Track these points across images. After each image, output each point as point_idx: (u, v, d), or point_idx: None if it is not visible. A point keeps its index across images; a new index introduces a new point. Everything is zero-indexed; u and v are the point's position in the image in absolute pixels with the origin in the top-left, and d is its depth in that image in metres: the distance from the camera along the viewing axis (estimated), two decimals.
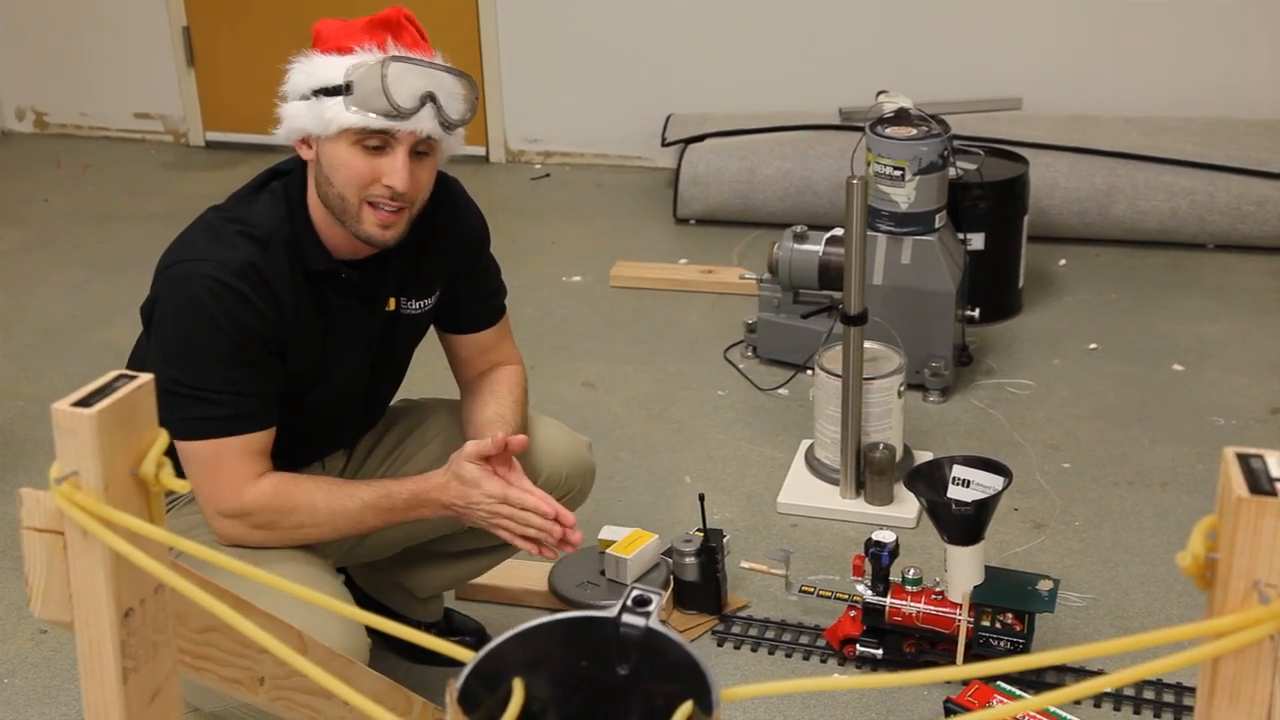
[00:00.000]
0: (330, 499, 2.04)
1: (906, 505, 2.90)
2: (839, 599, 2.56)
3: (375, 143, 1.96)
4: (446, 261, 2.22)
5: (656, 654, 0.95)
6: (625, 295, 4.09)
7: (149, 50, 5.48)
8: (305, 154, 2.03)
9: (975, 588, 2.37)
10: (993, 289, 3.71)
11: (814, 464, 3.06)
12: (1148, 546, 2.80)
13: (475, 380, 2.32)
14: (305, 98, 1.98)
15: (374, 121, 1.94)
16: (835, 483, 2.98)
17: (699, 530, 2.61)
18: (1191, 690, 2.37)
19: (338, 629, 1.92)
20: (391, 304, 2.17)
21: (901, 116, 3.42)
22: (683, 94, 4.93)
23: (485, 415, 2.21)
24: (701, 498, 2.63)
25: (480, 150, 5.28)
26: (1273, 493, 0.89)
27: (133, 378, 1.07)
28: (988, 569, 2.40)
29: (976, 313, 3.48)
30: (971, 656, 2.38)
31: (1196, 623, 0.91)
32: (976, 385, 3.47)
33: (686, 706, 0.91)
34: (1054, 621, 2.53)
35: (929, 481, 2.41)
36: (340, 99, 1.94)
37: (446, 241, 2.21)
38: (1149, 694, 2.37)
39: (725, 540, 2.61)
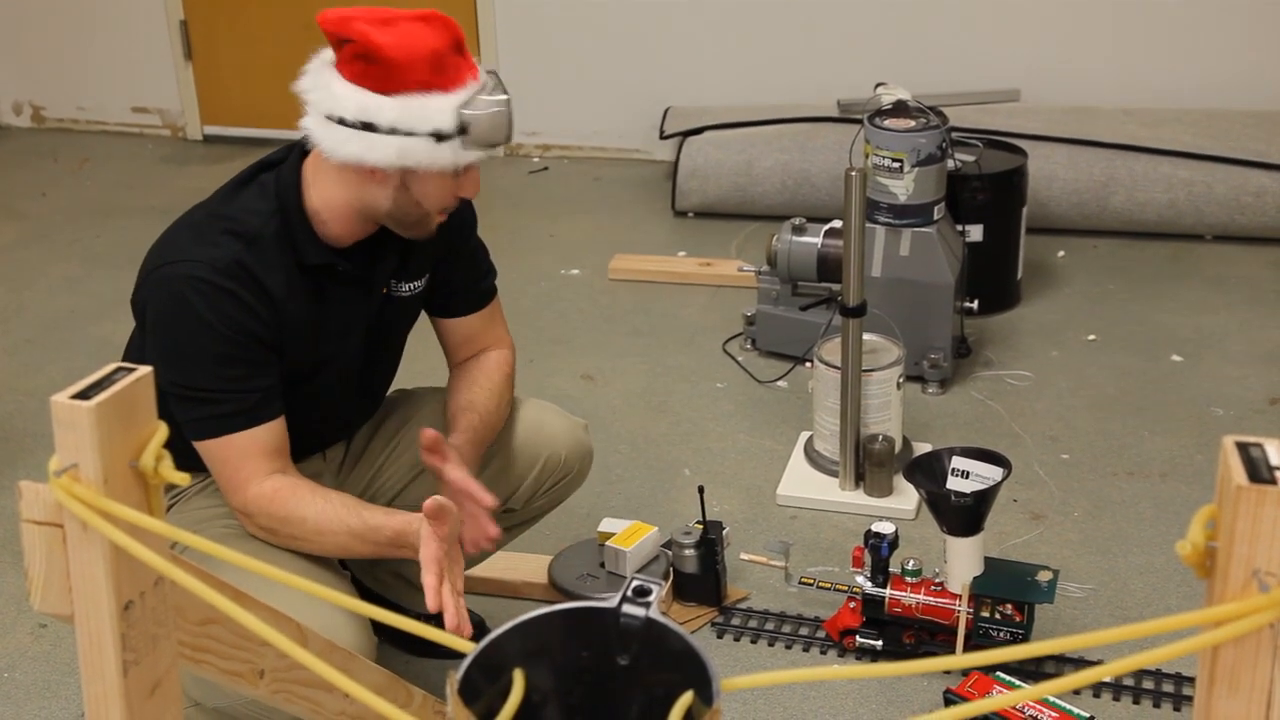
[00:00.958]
0: (320, 520, 2.02)
1: (906, 497, 2.90)
2: (838, 590, 2.56)
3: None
4: (435, 243, 2.22)
5: (657, 644, 0.95)
6: (624, 288, 4.09)
7: (146, 44, 5.47)
8: (379, 180, 1.98)
9: (974, 579, 2.37)
10: (991, 281, 3.71)
11: (813, 456, 3.06)
12: (1147, 537, 2.80)
13: (460, 366, 2.34)
14: (410, 134, 1.92)
15: (486, 154, 1.98)
16: (834, 474, 2.98)
17: (698, 522, 2.61)
18: (1191, 680, 2.37)
19: (345, 627, 1.92)
20: (384, 288, 2.17)
21: (900, 108, 3.42)
22: (681, 87, 4.92)
23: (457, 402, 2.24)
24: (701, 490, 2.63)
25: None
26: (1272, 481, 0.89)
27: (131, 370, 1.07)
28: (987, 560, 2.40)
29: (975, 304, 3.48)
30: (971, 647, 2.38)
31: (1196, 611, 0.91)
32: (975, 377, 3.47)
33: (687, 697, 0.91)
34: (1053, 612, 2.53)
35: (928, 473, 2.41)
36: (457, 140, 1.94)
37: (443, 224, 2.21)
38: (1148, 684, 2.38)
39: (725, 532, 2.61)
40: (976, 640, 2.38)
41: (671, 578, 2.61)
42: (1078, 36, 4.61)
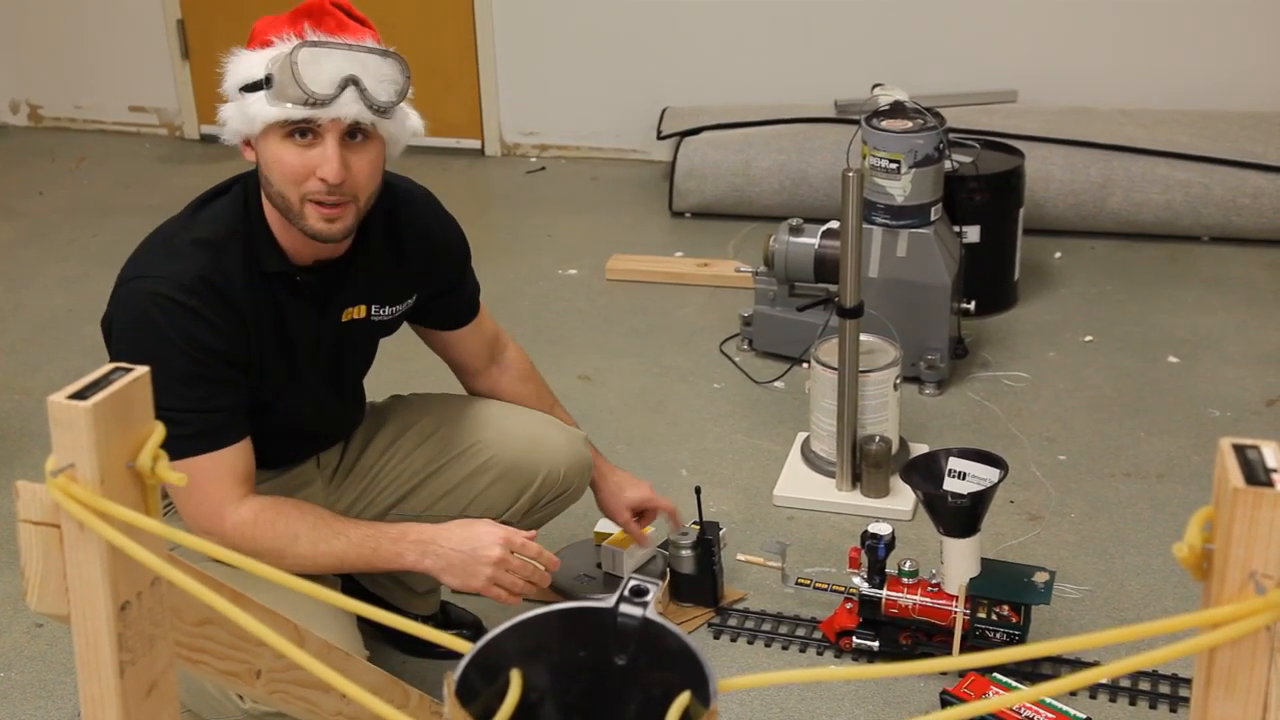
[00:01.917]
0: (315, 535, 1.99)
1: (902, 498, 2.90)
2: (835, 591, 2.56)
3: (303, 133, 1.90)
4: (425, 274, 2.21)
5: (654, 644, 0.95)
6: (621, 288, 4.09)
7: (143, 43, 5.47)
8: (249, 156, 1.98)
9: (971, 580, 2.37)
10: (988, 282, 3.71)
11: (810, 457, 3.06)
12: (1143, 538, 2.80)
13: (498, 379, 2.40)
14: (234, 98, 1.93)
15: (293, 111, 1.87)
16: (831, 475, 2.99)
17: (695, 523, 2.61)
18: (1187, 681, 2.37)
19: (333, 627, 1.92)
20: (361, 311, 2.14)
21: (897, 109, 3.42)
22: (678, 87, 4.93)
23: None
24: (698, 490, 2.63)
25: (476, 143, 5.27)
26: (1269, 483, 0.89)
27: (129, 370, 1.07)
28: (984, 561, 2.40)
29: (972, 305, 3.48)
30: (968, 648, 2.38)
31: (1193, 613, 0.91)
32: (972, 378, 3.47)
33: (684, 697, 0.91)
34: (1050, 613, 2.53)
35: (925, 474, 2.41)
36: (262, 94, 1.89)
37: (426, 252, 2.20)
38: (1145, 685, 2.38)
39: (721, 533, 2.61)
40: (973, 641, 2.38)
41: (668, 578, 2.61)
42: (1075, 37, 4.62)
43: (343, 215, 1.95)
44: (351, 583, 2.48)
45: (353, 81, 1.88)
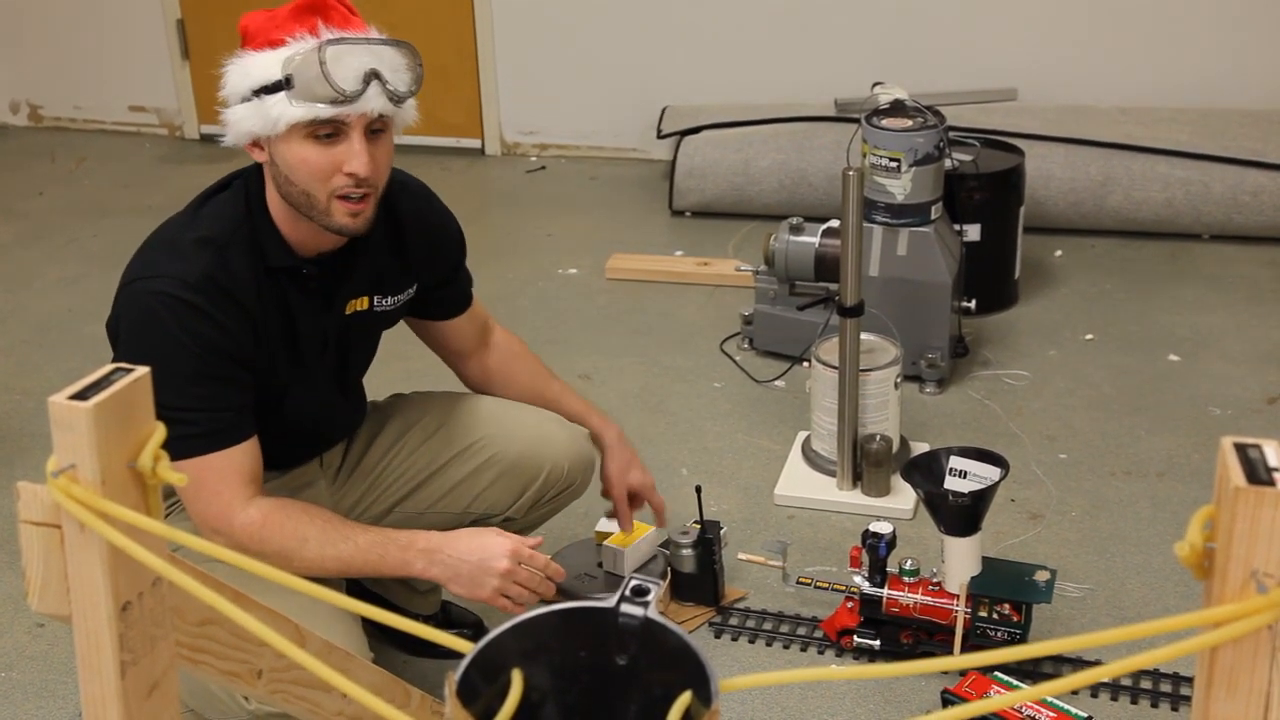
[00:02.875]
0: (322, 539, 1.99)
1: (903, 496, 2.90)
2: (836, 590, 2.56)
3: (327, 131, 1.90)
4: (426, 263, 2.21)
5: (655, 644, 0.95)
6: (621, 287, 4.09)
7: (143, 43, 5.47)
8: (258, 156, 1.98)
9: (972, 578, 2.37)
10: (989, 280, 3.71)
11: (811, 456, 3.06)
12: (1144, 536, 2.80)
13: (490, 361, 2.41)
14: (246, 99, 1.91)
15: (322, 111, 1.87)
16: (832, 474, 2.99)
17: (696, 522, 2.61)
18: (1189, 680, 2.37)
19: (338, 627, 1.92)
20: (365, 303, 2.14)
21: (897, 108, 3.42)
22: (678, 86, 4.93)
23: (545, 391, 2.45)
24: (699, 490, 2.63)
25: (476, 143, 5.27)
26: (1270, 482, 0.89)
27: (129, 371, 1.07)
28: (985, 560, 2.40)
29: (973, 304, 3.48)
30: (969, 647, 2.38)
31: (1194, 612, 0.91)
32: (973, 376, 3.47)
33: (685, 697, 0.91)
34: (1051, 612, 2.53)
35: (926, 473, 2.41)
36: (282, 94, 1.87)
37: (426, 242, 2.20)
38: (1146, 684, 2.38)
39: (722, 532, 2.61)
40: (974, 640, 2.38)
41: (669, 577, 2.61)
42: (1075, 36, 4.62)
43: (366, 208, 1.97)
44: (353, 581, 2.49)
45: (375, 75, 1.89)
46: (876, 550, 2.41)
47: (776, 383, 3.48)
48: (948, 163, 3.47)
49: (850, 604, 2.47)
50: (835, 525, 2.88)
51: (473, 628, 2.56)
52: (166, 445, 1.91)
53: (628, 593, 0.96)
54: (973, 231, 3.67)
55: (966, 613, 2.37)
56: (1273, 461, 0.91)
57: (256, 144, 1.96)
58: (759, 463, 3.11)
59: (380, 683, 1.73)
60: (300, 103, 1.87)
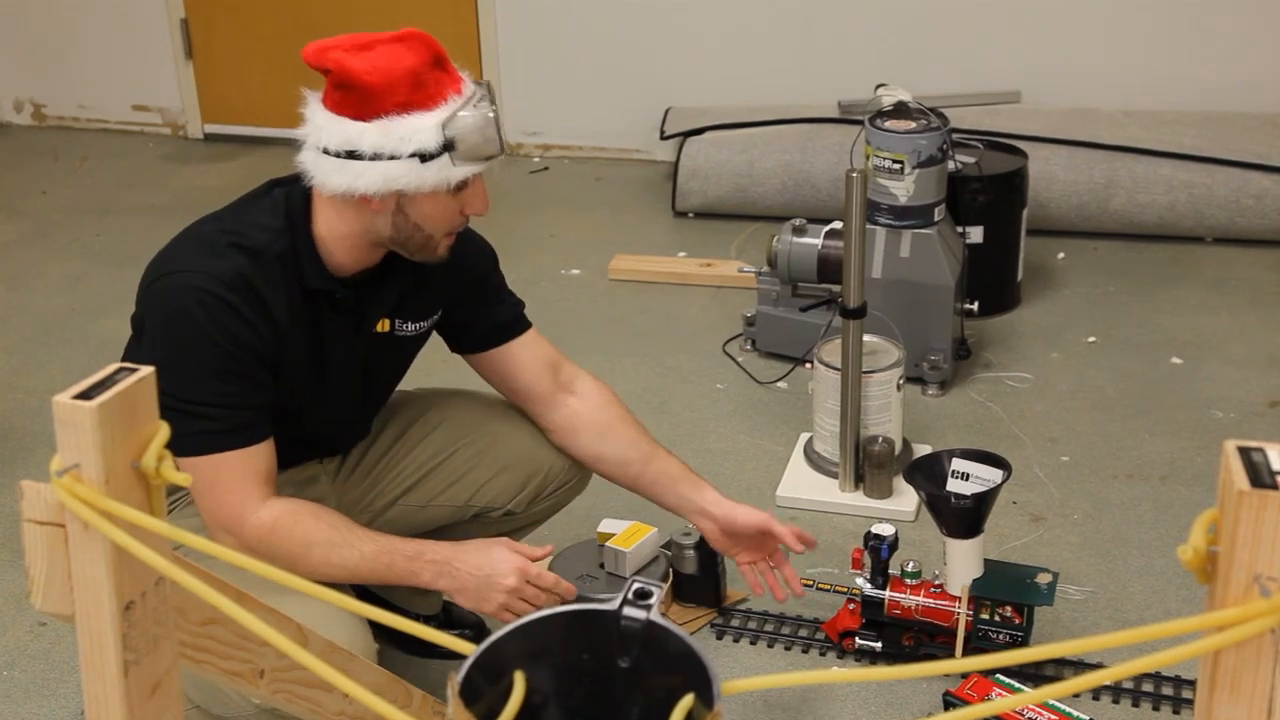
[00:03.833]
0: (329, 546, 1.98)
1: (905, 498, 2.90)
2: (838, 592, 2.56)
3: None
4: (449, 284, 2.20)
5: (657, 647, 0.95)
6: (624, 288, 4.09)
7: (147, 42, 5.47)
8: (376, 207, 1.95)
9: (974, 581, 2.37)
10: (991, 282, 3.71)
11: (813, 457, 3.06)
12: (1146, 539, 2.80)
13: (576, 404, 2.32)
14: (394, 158, 1.89)
15: (480, 166, 1.94)
16: (834, 476, 2.98)
17: None
18: (1191, 683, 2.37)
19: (343, 627, 1.92)
20: (385, 325, 2.14)
21: (900, 110, 3.42)
22: (682, 87, 4.93)
23: (638, 460, 2.33)
24: None
25: None
26: (1274, 486, 0.89)
27: (134, 370, 1.07)
28: (987, 562, 2.40)
29: (975, 306, 3.48)
30: (970, 649, 2.38)
31: (1197, 616, 0.91)
32: (975, 379, 3.47)
33: (688, 699, 0.91)
34: (1053, 614, 2.53)
35: (928, 475, 2.41)
36: (446, 157, 1.90)
37: (451, 266, 2.20)
38: (1148, 686, 2.38)
39: None
40: (976, 642, 2.38)
41: (671, 578, 2.61)
42: (1078, 38, 4.62)
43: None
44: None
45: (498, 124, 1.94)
46: (878, 552, 2.41)
47: (779, 384, 3.48)
48: (951, 165, 3.47)
49: (852, 606, 2.47)
50: (837, 527, 2.88)
51: (474, 628, 2.56)
52: (186, 439, 1.91)
53: (630, 595, 0.96)
54: (975, 234, 3.67)
55: (968, 615, 2.37)
56: (1276, 465, 0.91)
57: (366, 197, 1.94)
58: (761, 464, 3.11)
59: (382, 683, 1.73)
60: (463, 163, 1.92)
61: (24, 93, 5.72)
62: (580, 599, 2.37)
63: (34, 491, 1.07)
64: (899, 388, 2.96)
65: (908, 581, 2.42)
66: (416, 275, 2.14)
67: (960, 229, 3.59)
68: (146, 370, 1.08)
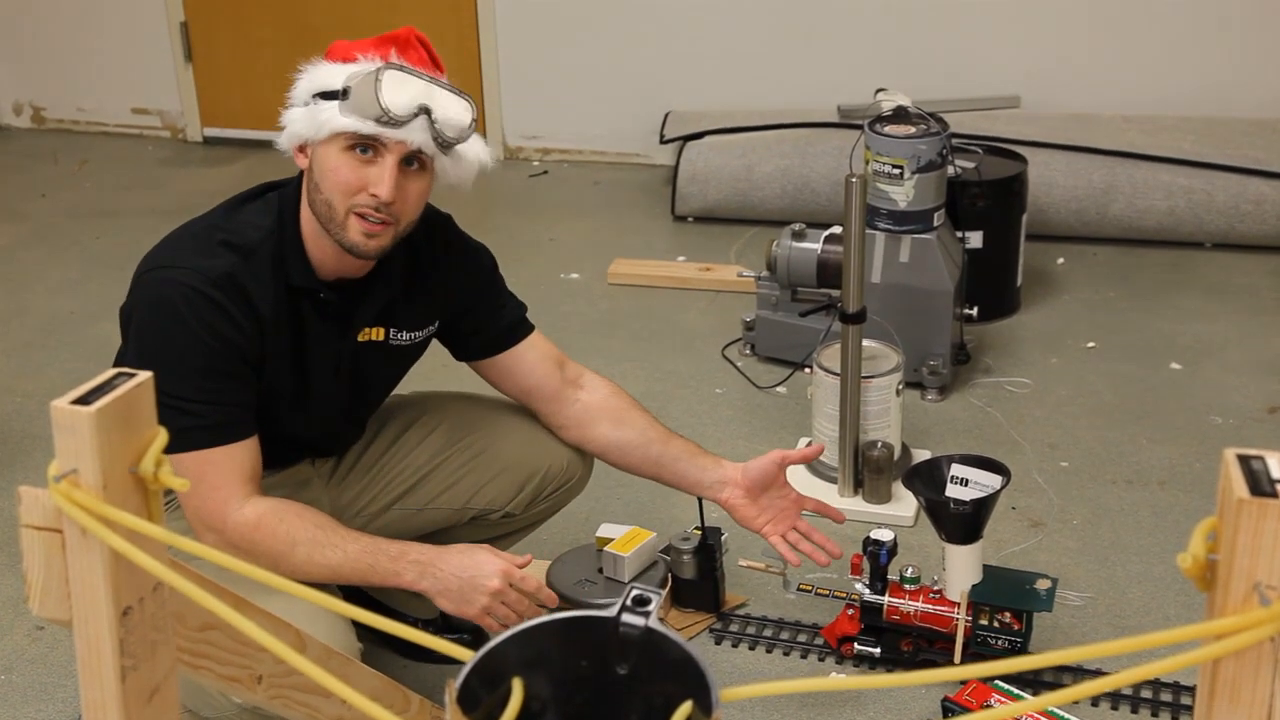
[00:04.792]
0: (312, 545, 1.98)
1: (904, 504, 2.90)
2: (837, 597, 2.55)
3: (365, 149, 1.95)
4: (447, 295, 2.21)
5: (656, 654, 0.95)
6: (623, 293, 4.09)
7: (147, 46, 5.47)
8: (300, 162, 2.02)
9: (973, 586, 2.37)
10: (991, 287, 3.71)
11: (812, 462, 3.06)
12: (1145, 545, 2.80)
13: (586, 398, 2.33)
14: (305, 103, 1.98)
15: (364, 126, 1.92)
16: (833, 481, 2.98)
17: (697, 528, 2.61)
18: (1189, 689, 2.37)
19: (325, 627, 1.91)
20: (380, 333, 2.15)
21: (900, 114, 3.42)
22: (681, 91, 4.93)
23: (649, 447, 2.35)
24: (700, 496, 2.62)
25: None
26: (1273, 494, 0.89)
27: (132, 375, 1.07)
28: (986, 568, 2.40)
29: (975, 311, 3.48)
30: (969, 655, 2.38)
31: (1197, 624, 0.91)
32: (974, 384, 3.47)
33: (686, 707, 0.91)
34: (1052, 620, 2.53)
35: (927, 480, 2.40)
36: (336, 103, 1.93)
37: (446, 274, 2.20)
38: (1147, 693, 2.37)
39: (723, 538, 2.61)
40: (975, 648, 2.38)
41: (669, 584, 2.61)
42: (1078, 43, 4.62)
43: (382, 235, 1.99)
44: (352, 585, 2.48)
45: (425, 111, 1.94)
46: (877, 557, 2.41)
47: (778, 389, 3.48)
48: (950, 170, 3.47)
49: (851, 611, 2.47)
50: (836, 532, 2.87)
51: (471, 633, 2.56)
52: (170, 436, 1.90)
53: (629, 602, 0.96)
54: (975, 239, 3.67)
55: (967, 621, 2.37)
56: (1276, 473, 0.91)
57: (302, 149, 2.01)
58: None
59: (379, 688, 1.73)
60: (349, 114, 1.92)
61: (24, 95, 5.73)
62: (573, 603, 2.37)
63: (31, 497, 1.07)
64: (898, 393, 2.96)
65: (906, 587, 2.42)
66: (407, 284, 2.15)
67: (960, 234, 3.59)
68: (145, 375, 1.08)
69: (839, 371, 2.88)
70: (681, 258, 4.28)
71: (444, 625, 2.56)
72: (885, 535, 2.43)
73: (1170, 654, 0.91)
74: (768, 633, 2.57)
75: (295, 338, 2.05)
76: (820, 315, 3.45)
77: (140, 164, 5.33)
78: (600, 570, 2.63)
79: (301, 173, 2.05)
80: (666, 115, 4.85)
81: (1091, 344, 3.67)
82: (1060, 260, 4.16)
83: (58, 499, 1.02)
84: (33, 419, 3.41)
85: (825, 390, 2.96)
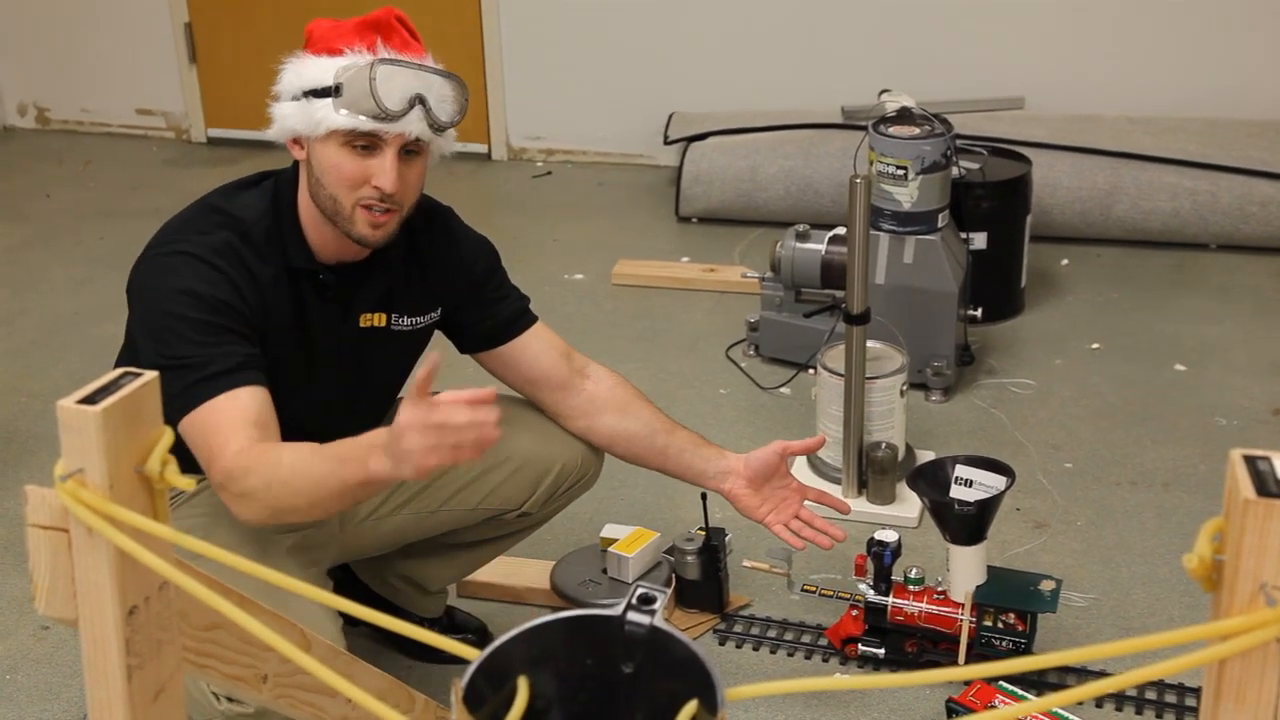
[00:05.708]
0: (295, 457, 1.86)
1: (909, 505, 2.90)
2: (841, 598, 2.55)
3: (364, 144, 1.96)
4: (448, 285, 2.21)
5: (661, 652, 0.95)
6: (627, 293, 4.09)
7: (151, 46, 5.48)
8: (297, 153, 2.03)
9: (977, 587, 2.37)
10: (995, 288, 3.71)
11: (816, 463, 3.06)
12: (1150, 546, 2.80)
13: (593, 387, 2.32)
14: (296, 98, 1.97)
15: (362, 123, 1.93)
16: (838, 482, 2.98)
17: (701, 529, 2.61)
18: (1194, 690, 2.36)
19: (306, 612, 1.88)
20: (381, 319, 2.15)
21: (904, 115, 3.42)
22: (685, 92, 4.93)
23: (654, 436, 2.34)
24: (704, 496, 2.62)
25: (482, 148, 5.28)
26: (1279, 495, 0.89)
27: (138, 375, 1.07)
28: (990, 569, 2.40)
29: (979, 312, 3.48)
30: (973, 656, 2.38)
31: (1202, 625, 0.91)
32: (979, 385, 3.46)
33: (691, 705, 0.91)
34: (1056, 621, 2.53)
35: (931, 481, 2.40)
36: (329, 100, 1.93)
37: (446, 264, 2.20)
38: (1151, 694, 2.37)
39: (727, 539, 2.61)
40: (979, 649, 2.38)
41: (674, 584, 2.61)
42: (1082, 44, 4.62)
43: (388, 223, 2.01)
44: (358, 584, 2.48)
45: (420, 100, 1.94)
46: (881, 558, 2.41)
47: (782, 390, 3.48)
48: (955, 171, 3.47)
49: (855, 612, 2.47)
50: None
51: (477, 633, 2.56)
52: (177, 398, 1.87)
53: (634, 601, 0.96)
54: (979, 240, 3.67)
55: (971, 622, 2.37)
56: None
57: (297, 141, 2.02)
58: None
59: (384, 687, 1.73)
60: (345, 112, 1.93)
61: (28, 96, 5.73)
62: (577, 604, 2.37)
63: (38, 496, 1.07)
64: (902, 394, 2.96)
65: (911, 588, 2.42)
66: (408, 270, 2.16)
67: (964, 235, 3.59)
68: (150, 375, 1.08)
69: (843, 372, 2.88)
70: (685, 259, 4.28)
71: (449, 625, 2.57)
72: (889, 536, 2.43)
73: (1175, 655, 0.91)
74: (772, 633, 2.57)
75: (296, 316, 2.05)
76: (824, 316, 3.45)
77: (145, 165, 5.34)
78: (604, 571, 2.64)
79: (297, 160, 2.06)
80: (671, 116, 4.85)
81: (1096, 345, 3.67)
82: (1064, 261, 4.16)
83: (64, 498, 1.02)
84: (37, 419, 3.42)
85: (829, 391, 2.96)
